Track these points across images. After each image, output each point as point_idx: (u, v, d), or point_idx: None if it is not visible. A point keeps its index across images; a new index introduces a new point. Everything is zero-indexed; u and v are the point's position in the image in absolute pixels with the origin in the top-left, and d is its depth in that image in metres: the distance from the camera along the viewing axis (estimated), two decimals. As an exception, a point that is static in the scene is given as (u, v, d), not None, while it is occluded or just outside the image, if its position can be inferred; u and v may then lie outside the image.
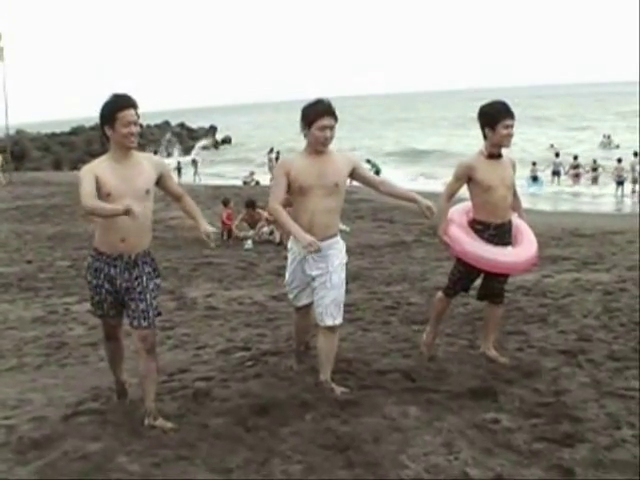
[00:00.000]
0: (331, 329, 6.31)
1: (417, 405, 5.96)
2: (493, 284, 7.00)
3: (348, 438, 5.30)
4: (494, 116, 6.61)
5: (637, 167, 29.44)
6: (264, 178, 39.21)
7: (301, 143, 6.29)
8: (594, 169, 34.56)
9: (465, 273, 6.90)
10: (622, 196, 29.32)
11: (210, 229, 5.94)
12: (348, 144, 55.17)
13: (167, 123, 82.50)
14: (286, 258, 6.56)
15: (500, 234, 6.77)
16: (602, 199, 29.20)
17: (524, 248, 6.89)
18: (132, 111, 5.52)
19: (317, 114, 6.10)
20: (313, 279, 6.31)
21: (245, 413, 5.91)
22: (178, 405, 6.22)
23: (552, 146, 47.35)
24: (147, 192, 5.64)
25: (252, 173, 41.31)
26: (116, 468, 5.07)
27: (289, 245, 6.51)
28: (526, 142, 52.58)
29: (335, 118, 6.17)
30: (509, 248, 6.81)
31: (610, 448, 5.15)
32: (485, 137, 6.71)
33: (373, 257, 14.37)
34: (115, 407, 6.21)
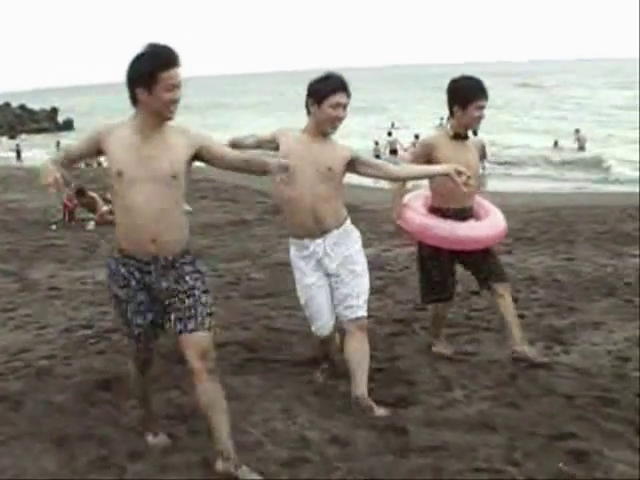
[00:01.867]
0: (362, 327, 5.66)
1: (257, 374, 6.17)
2: (481, 265, 6.37)
3: (189, 408, 5.40)
4: (467, 95, 6.05)
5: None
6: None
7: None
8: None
9: (433, 262, 6.35)
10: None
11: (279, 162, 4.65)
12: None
13: (7, 104, 79.93)
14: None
15: (460, 220, 6.19)
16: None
17: (491, 220, 6.36)
18: (178, 71, 4.30)
19: (331, 89, 5.35)
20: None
21: (89, 388, 5.99)
22: (22, 384, 6.21)
23: (393, 125, 48.31)
24: (174, 178, 4.40)
25: (95, 155, 40.20)
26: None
27: (292, 255, 5.79)
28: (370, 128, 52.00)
29: (349, 95, 5.44)
30: (473, 221, 6.32)
31: (442, 408, 5.45)
32: (452, 115, 6.18)
33: (215, 236, 14.38)
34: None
